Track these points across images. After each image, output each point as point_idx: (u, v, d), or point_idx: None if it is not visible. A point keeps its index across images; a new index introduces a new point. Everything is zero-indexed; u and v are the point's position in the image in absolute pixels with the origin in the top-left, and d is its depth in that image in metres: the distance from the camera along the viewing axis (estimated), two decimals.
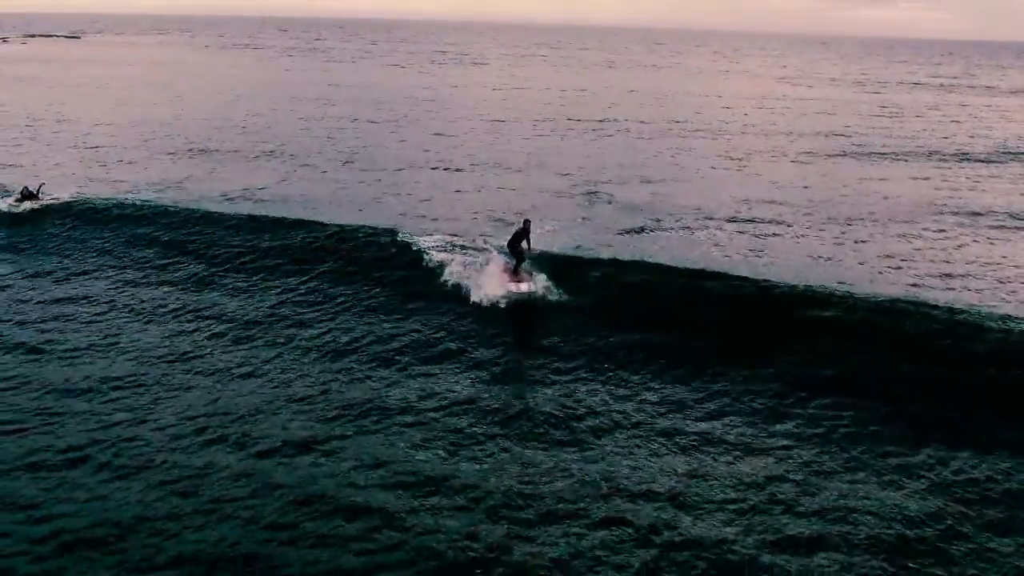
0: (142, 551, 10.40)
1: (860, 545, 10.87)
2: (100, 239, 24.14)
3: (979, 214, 28.43)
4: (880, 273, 21.36)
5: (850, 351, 15.92)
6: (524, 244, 18.63)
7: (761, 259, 22.23)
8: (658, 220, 26.45)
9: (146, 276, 21.39)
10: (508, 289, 18.06)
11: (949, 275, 21.33)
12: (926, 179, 34.85)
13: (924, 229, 26.27)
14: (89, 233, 24.54)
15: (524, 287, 18.08)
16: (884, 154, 40.99)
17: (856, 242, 24.56)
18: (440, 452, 12.81)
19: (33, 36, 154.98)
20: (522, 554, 10.48)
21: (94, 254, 23.21)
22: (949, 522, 11.35)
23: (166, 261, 22.38)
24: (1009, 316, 16.82)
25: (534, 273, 18.77)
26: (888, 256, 23.04)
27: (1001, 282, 20.91)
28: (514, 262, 18.88)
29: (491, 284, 18.30)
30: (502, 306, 18.00)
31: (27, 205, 26.06)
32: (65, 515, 11.07)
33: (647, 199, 29.57)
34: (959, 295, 19.26)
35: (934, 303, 17.53)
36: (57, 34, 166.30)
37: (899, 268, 21.90)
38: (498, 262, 19.16)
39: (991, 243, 24.99)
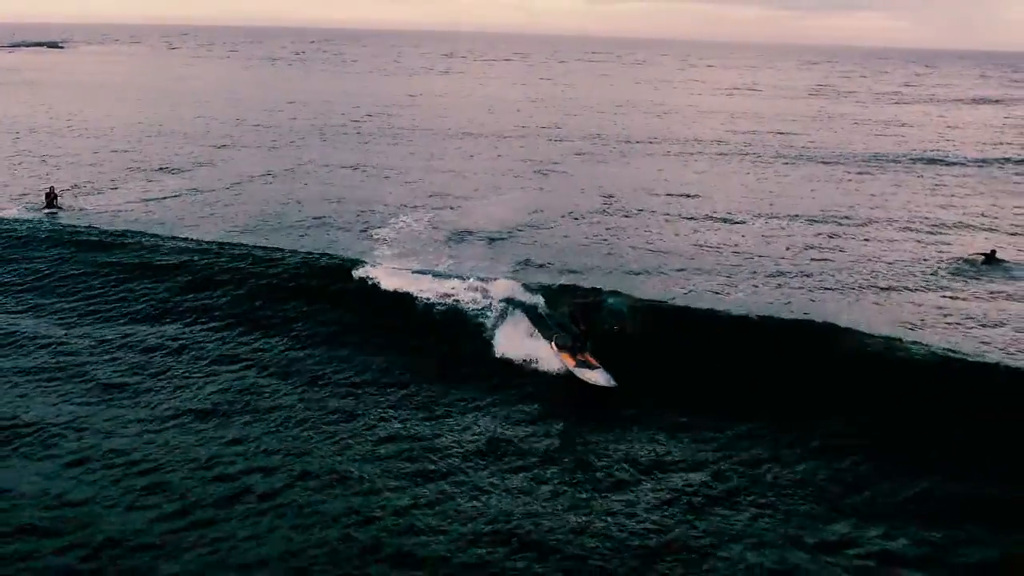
0: None
1: None
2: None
3: None
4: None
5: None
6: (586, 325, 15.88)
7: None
8: (609, 196, 32.25)
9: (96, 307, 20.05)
10: (579, 374, 15.19)
11: None
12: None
13: None
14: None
15: (596, 377, 15.00)
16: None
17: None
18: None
19: (18, 46, 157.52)
20: None
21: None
22: None
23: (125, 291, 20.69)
24: None
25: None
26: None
27: None
28: (570, 340, 16.06)
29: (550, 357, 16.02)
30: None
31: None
32: None
33: (596, 178, 35.93)
34: None
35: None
36: (40, 42, 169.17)
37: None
38: (556, 342, 16.28)
39: None
